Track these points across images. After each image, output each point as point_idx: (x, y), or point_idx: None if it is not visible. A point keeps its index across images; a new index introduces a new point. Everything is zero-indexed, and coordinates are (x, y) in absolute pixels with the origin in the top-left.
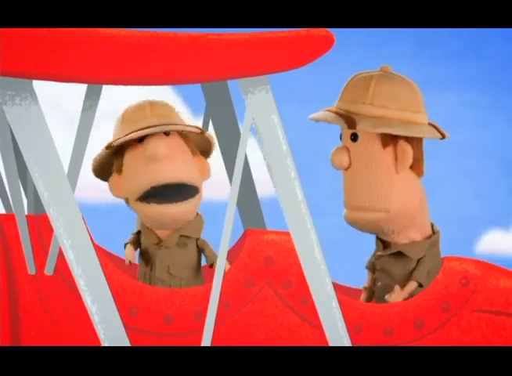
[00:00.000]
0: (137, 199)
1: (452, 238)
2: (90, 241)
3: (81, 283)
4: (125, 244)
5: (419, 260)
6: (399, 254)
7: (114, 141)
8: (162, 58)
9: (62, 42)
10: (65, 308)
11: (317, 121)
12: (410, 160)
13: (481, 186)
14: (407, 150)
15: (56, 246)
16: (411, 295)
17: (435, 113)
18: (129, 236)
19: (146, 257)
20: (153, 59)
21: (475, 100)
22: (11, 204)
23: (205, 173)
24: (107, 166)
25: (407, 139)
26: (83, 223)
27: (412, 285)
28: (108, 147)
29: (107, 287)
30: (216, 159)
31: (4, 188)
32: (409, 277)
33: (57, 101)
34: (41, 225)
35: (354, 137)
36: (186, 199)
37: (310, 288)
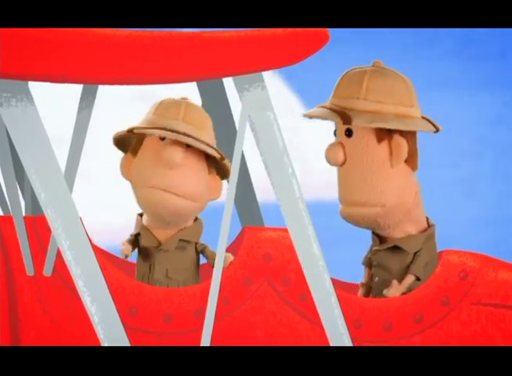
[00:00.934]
0: (140, 188)
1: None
2: (88, 242)
3: (79, 284)
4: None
5: (415, 254)
6: (396, 249)
7: (137, 128)
8: (157, 57)
9: (57, 43)
10: (64, 308)
11: (311, 117)
12: (405, 155)
13: None
14: (402, 144)
15: (54, 247)
16: (409, 289)
17: (476, 113)
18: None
19: (144, 259)
20: (148, 58)
21: None
22: (8, 205)
23: (215, 193)
24: (126, 143)
25: (401, 133)
26: (81, 224)
27: (409, 279)
28: (129, 131)
29: (106, 287)
30: None
31: (1, 189)
32: (406, 271)
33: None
34: (38, 227)
35: (348, 133)
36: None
37: (309, 284)
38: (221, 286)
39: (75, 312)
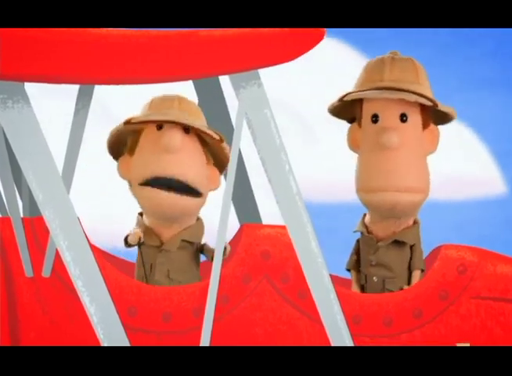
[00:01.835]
0: (139, 184)
1: None
2: (87, 242)
3: (78, 284)
4: (125, 237)
5: (411, 247)
6: (394, 244)
7: (134, 118)
8: (153, 56)
9: (52, 43)
10: (63, 309)
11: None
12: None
13: None
14: (437, 133)
15: (53, 247)
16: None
17: None
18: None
19: (144, 259)
20: (144, 57)
21: None
22: (6, 207)
23: (214, 183)
24: (121, 144)
25: (435, 121)
26: (79, 224)
27: (417, 274)
28: (126, 123)
29: (105, 287)
30: None
31: None
32: (405, 266)
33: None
34: (37, 228)
35: (405, 118)
36: (182, 193)
37: (308, 281)
38: (220, 284)
39: (74, 312)
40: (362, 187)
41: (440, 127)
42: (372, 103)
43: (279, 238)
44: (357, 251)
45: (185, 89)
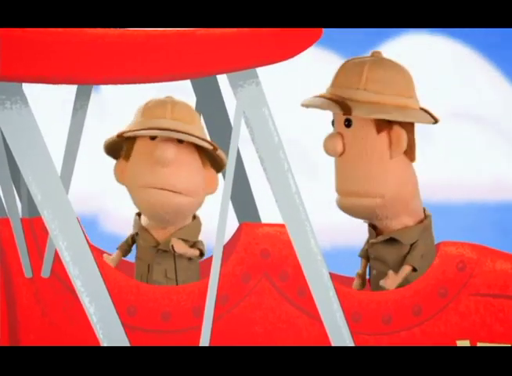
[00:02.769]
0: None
1: None
2: (85, 242)
3: (78, 284)
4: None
5: (411, 245)
6: (392, 241)
7: (126, 132)
8: (151, 56)
9: (49, 43)
10: (63, 309)
11: (309, 107)
12: (405, 146)
13: None
14: (402, 135)
15: (52, 248)
16: (407, 281)
17: None
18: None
19: (142, 259)
20: (142, 57)
21: None
22: (5, 207)
23: (211, 187)
24: (117, 148)
25: (401, 124)
26: (78, 224)
27: (406, 269)
28: (119, 136)
29: (104, 287)
30: None
31: None
32: (402, 263)
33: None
34: (35, 228)
35: (348, 123)
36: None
37: (307, 279)
38: (219, 283)
39: (74, 312)
40: None
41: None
42: None
43: (278, 237)
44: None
45: (183, 88)
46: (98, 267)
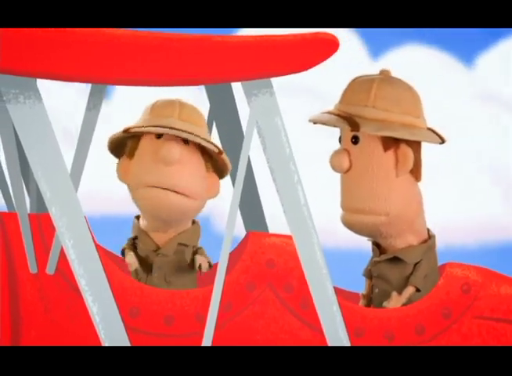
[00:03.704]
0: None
1: None
2: (92, 241)
3: (82, 283)
4: (122, 250)
5: (415, 265)
6: (395, 260)
7: (133, 127)
8: (166, 59)
9: (65, 42)
10: (66, 307)
11: (316, 123)
12: (411, 164)
13: None
14: (408, 154)
15: (58, 245)
16: (410, 301)
17: None
18: (126, 242)
19: (142, 263)
20: (156, 60)
21: None
22: (13, 202)
23: (212, 191)
24: (121, 146)
25: (408, 142)
26: (85, 223)
27: (409, 290)
28: (125, 131)
29: (108, 287)
30: None
31: (6, 186)
32: (406, 282)
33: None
34: (43, 224)
35: (355, 140)
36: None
37: (311, 292)
38: (223, 290)
39: (77, 311)
40: None
41: None
42: None
43: (284, 248)
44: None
45: (197, 94)
46: (103, 267)
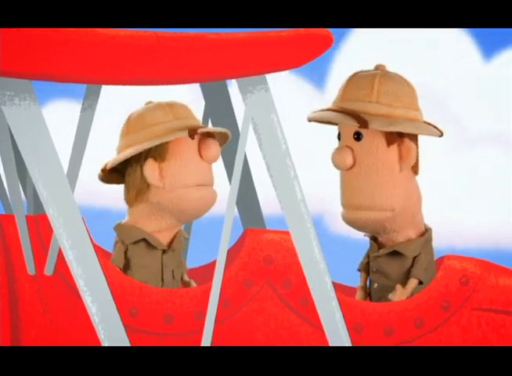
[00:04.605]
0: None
1: None
2: (90, 241)
3: (80, 284)
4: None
5: (414, 258)
6: (395, 254)
7: (178, 135)
8: (161, 58)
9: (60, 42)
10: (65, 308)
11: (318, 121)
12: (414, 158)
13: None
14: (412, 148)
15: (56, 246)
16: (411, 294)
17: None
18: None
19: (147, 265)
20: (151, 59)
21: None
22: (10, 204)
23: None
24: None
25: (410, 136)
26: (83, 223)
27: (413, 283)
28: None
29: (107, 287)
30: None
31: (3, 188)
32: (405, 276)
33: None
34: (40, 226)
35: (358, 136)
36: None
37: (310, 288)
38: (222, 287)
39: (76, 311)
40: None
41: None
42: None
43: (282, 244)
44: (368, 254)
45: (192, 92)
46: (101, 267)
